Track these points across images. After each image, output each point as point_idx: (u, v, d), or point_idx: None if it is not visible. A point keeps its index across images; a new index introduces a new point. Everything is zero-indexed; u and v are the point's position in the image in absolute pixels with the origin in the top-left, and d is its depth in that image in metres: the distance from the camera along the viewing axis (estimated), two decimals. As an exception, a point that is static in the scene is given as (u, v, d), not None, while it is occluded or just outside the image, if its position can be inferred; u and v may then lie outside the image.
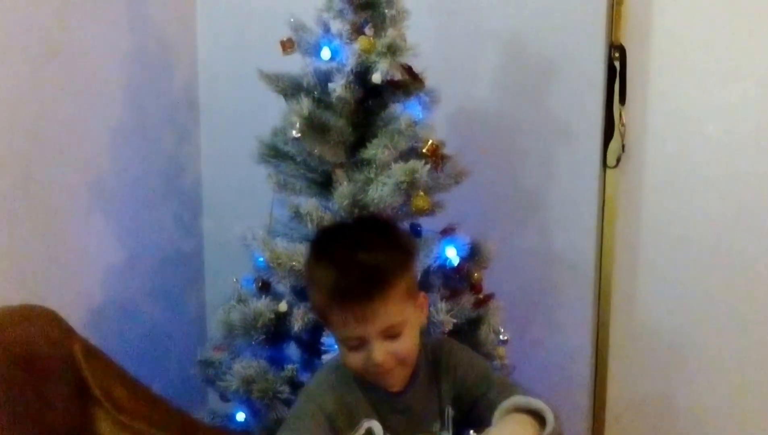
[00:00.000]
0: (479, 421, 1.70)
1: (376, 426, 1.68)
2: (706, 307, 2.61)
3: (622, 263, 2.64)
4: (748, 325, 2.59)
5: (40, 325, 1.90)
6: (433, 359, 1.75)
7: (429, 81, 2.21)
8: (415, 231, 2.20)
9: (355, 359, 1.64)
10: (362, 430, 1.67)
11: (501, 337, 2.25)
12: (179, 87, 2.64)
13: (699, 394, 2.66)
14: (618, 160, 2.55)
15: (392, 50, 2.05)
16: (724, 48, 2.48)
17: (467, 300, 2.22)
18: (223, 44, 2.71)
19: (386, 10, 2.11)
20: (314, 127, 2.07)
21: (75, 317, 2.10)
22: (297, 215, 2.11)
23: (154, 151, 2.54)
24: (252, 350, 2.14)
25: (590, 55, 2.48)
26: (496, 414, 1.61)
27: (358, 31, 2.10)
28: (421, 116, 2.11)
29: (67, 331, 1.97)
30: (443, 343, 1.81)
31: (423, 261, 2.11)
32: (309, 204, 2.09)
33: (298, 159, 2.15)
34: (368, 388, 1.69)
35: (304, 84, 2.12)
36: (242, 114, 2.66)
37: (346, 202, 2.08)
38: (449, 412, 1.75)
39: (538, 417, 1.59)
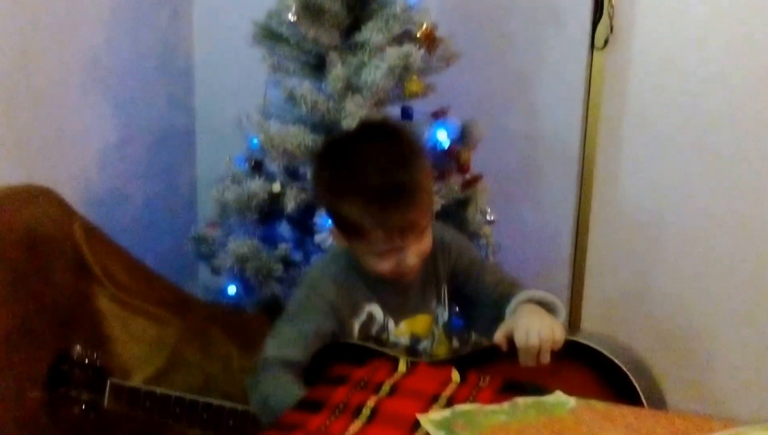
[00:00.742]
0: (470, 299, 1.81)
1: (377, 310, 1.74)
2: (688, 189, 2.64)
3: (606, 144, 2.65)
4: (728, 203, 2.62)
5: (42, 204, 1.94)
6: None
7: None
8: (407, 114, 2.23)
9: (386, 265, 1.69)
10: (363, 315, 1.73)
11: (488, 217, 2.30)
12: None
13: (678, 272, 2.70)
14: (606, 42, 2.56)
15: (387, -66, 2.04)
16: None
17: (455, 181, 2.27)
18: None
19: None
20: (310, 10, 2.07)
21: (72, 196, 2.15)
22: (291, 97, 2.12)
23: (148, 30, 2.54)
24: (245, 229, 2.18)
25: (581, -64, 2.47)
26: (512, 304, 1.67)
27: None
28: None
29: (67, 211, 2.01)
30: (437, 227, 1.85)
31: (416, 143, 2.15)
32: (303, 87, 2.11)
33: (293, 41, 2.16)
34: (368, 274, 1.74)
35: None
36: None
37: (339, 85, 2.10)
38: (445, 289, 1.82)
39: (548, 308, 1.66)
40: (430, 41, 2.10)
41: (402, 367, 1.48)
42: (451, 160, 2.28)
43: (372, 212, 1.64)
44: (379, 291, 1.75)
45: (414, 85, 2.07)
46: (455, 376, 1.44)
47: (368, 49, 2.08)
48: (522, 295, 1.67)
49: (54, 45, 2.20)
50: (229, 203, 2.17)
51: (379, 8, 2.09)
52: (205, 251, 2.29)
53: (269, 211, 2.18)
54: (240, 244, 2.15)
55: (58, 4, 2.21)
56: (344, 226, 1.70)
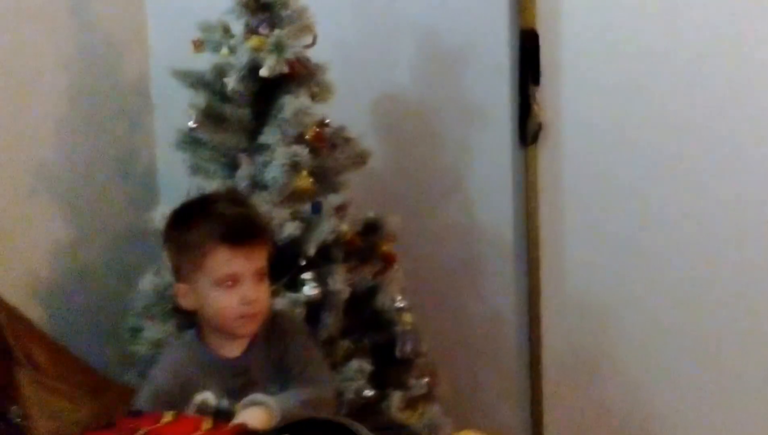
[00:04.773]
0: None
1: (209, 396, 1.94)
2: (627, 274, 2.81)
3: (548, 234, 2.84)
4: (673, 284, 2.78)
5: (-35, 295, 2.23)
6: (268, 325, 2.03)
7: (351, 70, 2.58)
8: (316, 209, 2.45)
9: (231, 299, 1.93)
10: (194, 406, 1.93)
11: (397, 304, 2.49)
12: (131, 79, 2.92)
13: (625, 352, 2.85)
14: (536, 138, 2.76)
15: (279, 48, 2.34)
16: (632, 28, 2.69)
17: (368, 270, 2.49)
18: (174, 38, 2.95)
19: (282, 11, 2.40)
20: (211, 118, 2.37)
21: (17, 294, 2.42)
22: (202, 197, 2.41)
23: (105, 139, 2.84)
24: (163, 317, 2.43)
25: (496, 40, 2.73)
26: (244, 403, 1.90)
27: (252, 31, 2.39)
28: (308, 105, 2.37)
29: (-10, 300, 2.30)
30: (279, 313, 2.11)
31: (320, 235, 2.39)
32: (212, 186, 2.39)
33: (210, 145, 2.45)
34: (206, 359, 1.98)
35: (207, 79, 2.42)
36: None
37: (245, 183, 2.38)
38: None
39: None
40: (320, 142, 2.36)
41: (168, 417, 1.70)
42: (367, 251, 2.52)
43: (218, 228, 1.92)
44: (217, 375, 1.97)
45: (303, 181, 2.33)
46: (206, 424, 1.67)
47: (270, 150, 2.36)
48: (251, 398, 1.90)
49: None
50: (149, 293, 2.44)
51: (276, 113, 2.37)
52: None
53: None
54: (156, 330, 2.40)
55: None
56: (187, 258, 1.96)
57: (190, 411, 1.91)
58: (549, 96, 2.74)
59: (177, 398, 1.91)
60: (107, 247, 2.85)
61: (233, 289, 1.92)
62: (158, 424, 1.68)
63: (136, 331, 2.54)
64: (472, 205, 2.86)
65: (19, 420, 2.16)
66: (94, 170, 2.82)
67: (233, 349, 1.99)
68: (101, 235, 2.84)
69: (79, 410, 2.30)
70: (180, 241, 1.99)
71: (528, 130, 2.75)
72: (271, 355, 2.01)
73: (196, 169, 2.48)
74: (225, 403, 1.94)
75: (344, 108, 2.52)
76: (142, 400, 1.94)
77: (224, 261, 1.92)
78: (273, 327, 2.03)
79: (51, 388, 2.28)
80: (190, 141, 2.47)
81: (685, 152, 2.70)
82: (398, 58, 2.82)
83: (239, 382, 1.97)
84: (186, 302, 2.00)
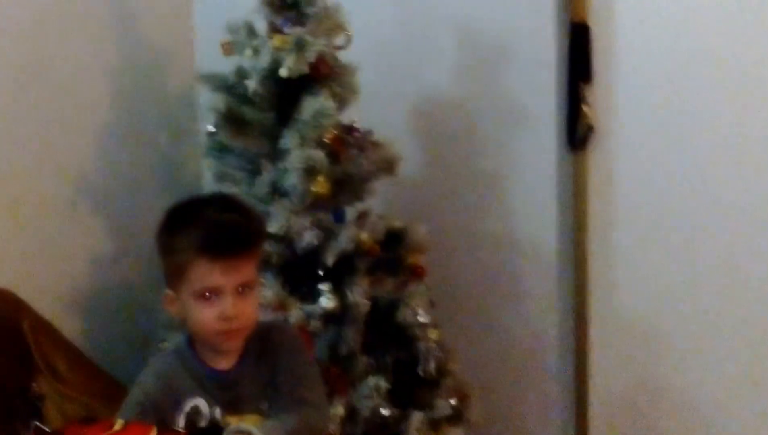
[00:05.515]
0: None
1: (202, 403, 1.87)
2: (685, 293, 2.66)
3: (597, 250, 2.72)
4: (726, 308, 2.63)
5: (-5, 303, 2.29)
6: (261, 339, 1.95)
7: (386, 67, 2.57)
8: (339, 217, 2.41)
9: (209, 314, 1.84)
10: (187, 408, 1.86)
11: (419, 319, 2.39)
12: (176, 88, 2.93)
13: (683, 380, 2.71)
14: (586, 142, 2.64)
15: (300, 47, 2.29)
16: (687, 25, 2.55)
17: (390, 283, 2.42)
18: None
19: (307, 9, 2.36)
20: (232, 122, 2.35)
21: (61, 303, 2.53)
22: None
23: (150, 149, 2.86)
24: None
25: (542, 34, 2.61)
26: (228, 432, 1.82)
27: (276, 30, 2.36)
28: (328, 106, 2.32)
29: (18, 308, 2.35)
30: (275, 326, 2.03)
31: (339, 245, 2.34)
32: (232, 192, 2.37)
33: (237, 151, 2.43)
34: (195, 369, 1.91)
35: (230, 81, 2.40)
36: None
37: (265, 190, 2.36)
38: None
39: None
40: (339, 146, 2.29)
41: (118, 425, 1.66)
42: (391, 263, 2.46)
43: (200, 243, 1.82)
44: (206, 386, 1.90)
45: (319, 186, 2.28)
46: (153, 433, 1.62)
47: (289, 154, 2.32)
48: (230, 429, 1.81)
49: (37, 164, 2.55)
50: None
51: (296, 116, 2.33)
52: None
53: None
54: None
55: (42, 127, 2.56)
56: (171, 264, 1.88)
57: (181, 417, 1.87)
58: (601, 95, 2.62)
59: (164, 406, 1.87)
60: (150, 259, 2.81)
61: (212, 303, 1.84)
62: (107, 432, 1.65)
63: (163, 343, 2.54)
64: (514, 215, 2.74)
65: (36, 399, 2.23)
66: (137, 181, 2.83)
67: (223, 362, 1.92)
68: (144, 248, 2.77)
69: (95, 417, 2.33)
70: (165, 246, 1.92)
71: (577, 133, 2.64)
72: (262, 371, 1.94)
73: (221, 177, 2.46)
74: (217, 412, 1.88)
75: (378, 109, 2.47)
76: (129, 405, 1.88)
77: (203, 273, 1.83)
78: (267, 341, 1.95)
79: (68, 395, 2.33)
80: (216, 148, 2.46)
81: (751, 161, 2.55)
82: (435, 55, 2.72)
83: (228, 396, 1.90)
84: (172, 310, 1.93)
